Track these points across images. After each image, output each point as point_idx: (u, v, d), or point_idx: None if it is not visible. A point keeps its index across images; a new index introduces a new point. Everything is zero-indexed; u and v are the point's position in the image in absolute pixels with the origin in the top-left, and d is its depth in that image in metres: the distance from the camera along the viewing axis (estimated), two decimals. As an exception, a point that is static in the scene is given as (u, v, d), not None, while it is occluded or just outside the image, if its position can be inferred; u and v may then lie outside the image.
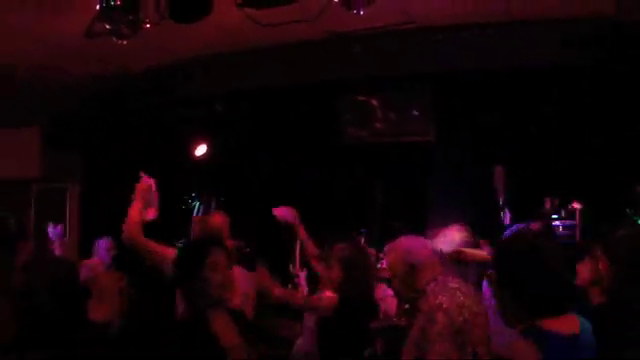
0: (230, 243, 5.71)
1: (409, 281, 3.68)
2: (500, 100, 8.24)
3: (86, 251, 8.73)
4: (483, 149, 8.51)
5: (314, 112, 9.13)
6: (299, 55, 7.89)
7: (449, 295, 3.38)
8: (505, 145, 8.37)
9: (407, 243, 3.83)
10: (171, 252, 4.23)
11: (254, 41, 7.39)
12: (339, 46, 7.67)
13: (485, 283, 5.05)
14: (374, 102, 9.07)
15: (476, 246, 5.72)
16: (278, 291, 5.08)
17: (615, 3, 6.64)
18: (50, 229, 7.03)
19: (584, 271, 4.82)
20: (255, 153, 9.68)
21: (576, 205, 8.45)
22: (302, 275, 7.84)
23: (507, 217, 7.75)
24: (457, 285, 3.49)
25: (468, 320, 3.30)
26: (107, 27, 5.16)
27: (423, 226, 9.41)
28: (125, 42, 5.18)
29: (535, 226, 7.71)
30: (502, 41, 7.40)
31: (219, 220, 5.97)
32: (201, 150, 9.91)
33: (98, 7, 5.11)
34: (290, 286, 8.35)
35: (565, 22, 7.16)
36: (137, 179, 4.71)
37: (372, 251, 8.58)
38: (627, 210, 8.09)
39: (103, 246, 7.67)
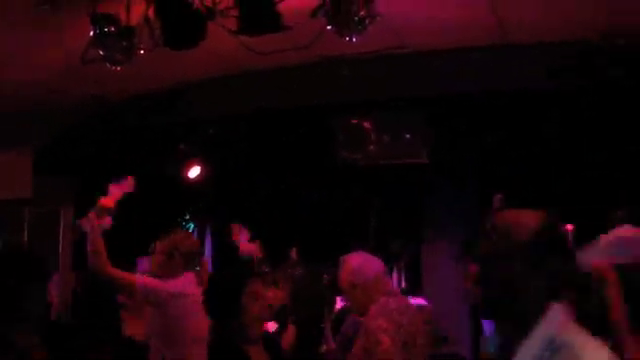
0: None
1: (354, 299, 3.89)
2: (492, 122, 8.30)
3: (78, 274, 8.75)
4: (477, 173, 8.57)
5: (308, 135, 9.18)
6: (293, 79, 7.93)
7: (388, 317, 3.51)
8: (499, 168, 8.43)
9: (356, 262, 3.92)
10: (137, 278, 4.62)
11: (248, 65, 7.43)
12: (332, 70, 7.72)
13: None
14: (367, 125, 9.13)
15: None
16: None
17: (605, 27, 6.71)
18: None
19: None
20: (250, 176, 9.71)
21: (568, 227, 8.48)
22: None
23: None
24: (395, 306, 3.61)
25: (407, 342, 3.44)
26: (101, 53, 5.18)
27: (419, 246, 9.49)
28: (119, 68, 5.21)
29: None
30: (493, 65, 7.46)
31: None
32: (194, 172, 9.93)
33: (92, 33, 5.14)
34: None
35: (554, 46, 7.23)
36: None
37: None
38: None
39: None
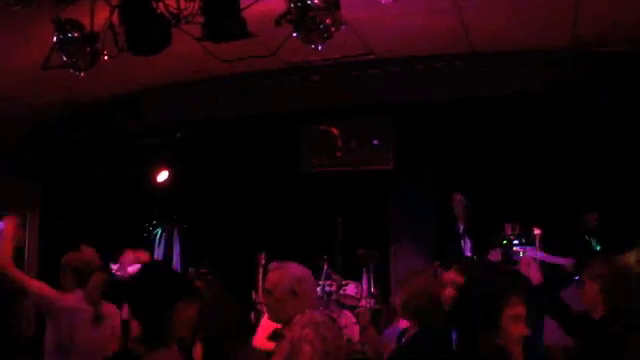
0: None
1: (285, 306, 3.81)
2: (460, 129, 8.35)
3: (44, 279, 8.63)
4: (443, 177, 8.60)
5: (275, 141, 9.17)
6: (260, 85, 7.93)
7: (314, 328, 3.52)
8: (465, 173, 8.46)
9: (298, 271, 3.95)
10: (34, 284, 4.73)
11: (214, 70, 7.40)
12: (299, 76, 7.73)
13: None
14: (335, 131, 9.15)
15: None
16: None
17: (570, 36, 6.78)
18: None
19: None
20: (217, 181, 9.67)
21: (536, 231, 8.55)
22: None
23: (467, 245, 7.82)
24: (321, 319, 3.63)
25: (330, 353, 3.46)
26: (64, 59, 5.12)
27: (386, 252, 9.49)
28: (82, 74, 5.15)
29: (495, 255, 7.85)
30: (460, 72, 7.51)
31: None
32: (162, 176, 9.86)
33: (55, 39, 5.08)
34: (253, 313, 8.33)
35: (522, 53, 7.29)
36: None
37: (336, 277, 8.63)
38: (585, 237, 8.22)
39: None
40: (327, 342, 3.51)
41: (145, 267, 3.98)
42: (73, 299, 4.77)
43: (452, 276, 4.28)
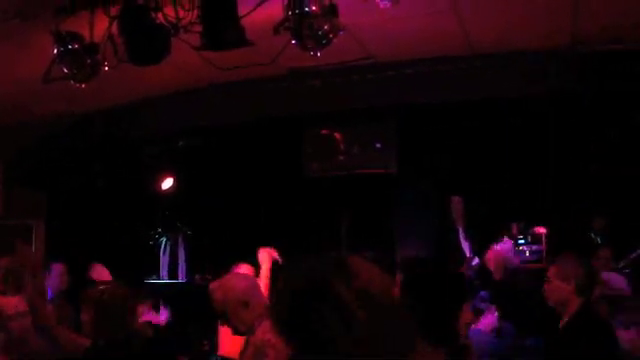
0: None
1: (241, 318, 3.91)
2: (461, 131, 8.36)
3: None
4: (445, 180, 8.61)
5: (278, 146, 9.19)
6: (262, 91, 7.94)
7: (275, 333, 3.57)
8: (467, 175, 8.47)
9: (240, 282, 4.05)
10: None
11: (215, 78, 7.41)
12: (300, 81, 7.73)
13: None
14: (337, 136, 9.17)
15: None
16: None
17: (570, 35, 6.77)
18: None
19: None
20: (221, 187, 9.69)
21: (542, 230, 8.56)
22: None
23: (467, 247, 7.83)
24: None
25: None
26: (65, 71, 5.15)
27: (392, 254, 9.51)
28: (83, 85, 5.18)
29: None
30: (461, 74, 7.51)
31: None
32: (167, 184, 9.89)
33: (55, 51, 5.11)
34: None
35: (522, 54, 7.28)
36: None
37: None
38: (591, 235, 8.23)
39: (56, 271, 7.28)
40: None
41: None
42: (13, 303, 4.68)
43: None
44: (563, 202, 8.25)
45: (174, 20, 4.87)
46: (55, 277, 7.39)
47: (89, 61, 5.09)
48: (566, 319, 4.68)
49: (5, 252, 9.58)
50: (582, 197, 8.11)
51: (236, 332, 4.02)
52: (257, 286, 4.13)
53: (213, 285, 4.10)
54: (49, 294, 7.49)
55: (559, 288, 4.71)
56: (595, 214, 8.00)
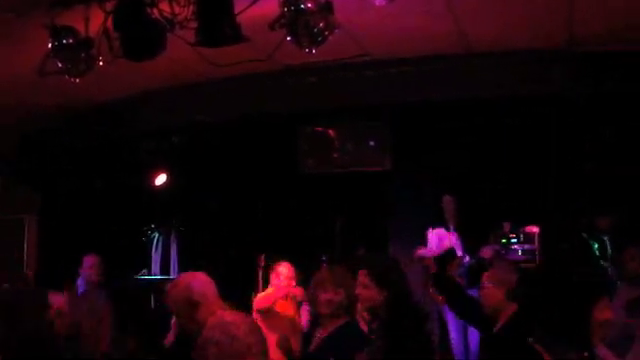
0: None
1: (192, 317, 3.91)
2: (456, 130, 8.35)
3: (43, 282, 8.66)
4: (439, 178, 8.62)
5: (273, 142, 9.18)
6: (256, 87, 7.93)
7: (222, 328, 3.55)
8: (461, 174, 8.48)
9: (188, 281, 4.03)
10: None
11: (210, 74, 7.39)
12: (295, 78, 7.72)
13: None
14: (331, 133, 9.17)
15: None
16: None
17: (567, 35, 6.77)
18: None
19: None
20: (214, 183, 9.67)
21: (534, 229, 8.57)
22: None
23: (458, 246, 7.86)
24: (231, 319, 3.66)
25: (240, 351, 3.46)
26: (59, 65, 5.13)
27: (385, 252, 9.50)
28: (78, 80, 5.16)
29: (487, 253, 7.94)
30: (456, 73, 7.51)
31: None
32: (160, 180, 9.86)
33: (50, 45, 5.08)
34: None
35: (518, 54, 7.29)
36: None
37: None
38: (583, 234, 8.23)
39: (88, 263, 7.40)
40: (236, 341, 3.50)
41: None
42: None
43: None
44: (557, 201, 8.25)
45: (170, 16, 4.85)
46: (87, 269, 7.41)
47: (84, 56, 5.07)
48: (501, 324, 4.75)
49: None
50: (577, 196, 8.12)
51: (190, 333, 4.00)
52: (206, 283, 4.09)
53: (168, 287, 4.14)
54: (81, 286, 7.54)
55: (492, 293, 4.78)
56: (597, 213, 7.99)
